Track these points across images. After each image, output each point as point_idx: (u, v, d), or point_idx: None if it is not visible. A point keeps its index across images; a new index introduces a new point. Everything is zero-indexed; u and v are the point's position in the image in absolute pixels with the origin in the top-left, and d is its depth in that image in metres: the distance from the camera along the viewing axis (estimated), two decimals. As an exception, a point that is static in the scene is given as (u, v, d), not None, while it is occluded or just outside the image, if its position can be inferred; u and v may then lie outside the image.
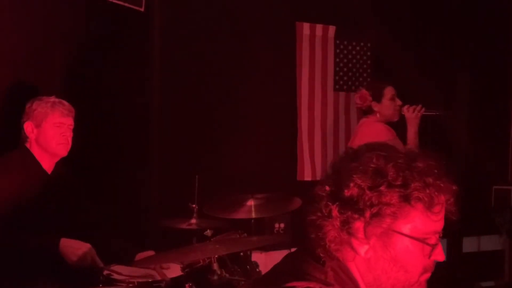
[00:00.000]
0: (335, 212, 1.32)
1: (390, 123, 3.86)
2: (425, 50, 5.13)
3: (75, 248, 2.74)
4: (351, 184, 1.31)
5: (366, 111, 3.90)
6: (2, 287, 2.64)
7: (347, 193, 1.31)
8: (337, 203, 1.33)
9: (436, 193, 1.32)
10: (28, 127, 2.87)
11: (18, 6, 3.14)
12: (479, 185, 5.23)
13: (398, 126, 3.89)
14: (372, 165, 1.32)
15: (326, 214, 1.34)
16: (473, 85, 5.37)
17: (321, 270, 1.35)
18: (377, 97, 3.86)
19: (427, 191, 1.31)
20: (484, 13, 5.30)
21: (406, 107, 3.86)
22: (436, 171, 1.33)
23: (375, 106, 3.86)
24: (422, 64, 4.94)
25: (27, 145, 2.89)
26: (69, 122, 2.93)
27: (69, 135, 2.93)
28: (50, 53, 3.37)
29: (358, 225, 1.33)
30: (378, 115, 3.86)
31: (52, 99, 2.91)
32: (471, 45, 5.31)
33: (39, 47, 3.29)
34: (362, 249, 1.35)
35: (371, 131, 3.79)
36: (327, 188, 1.36)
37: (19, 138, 2.92)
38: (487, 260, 5.42)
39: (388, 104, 3.85)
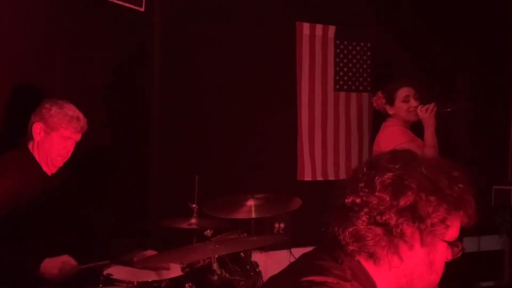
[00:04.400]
0: (393, 221, 1.32)
1: (410, 124, 3.75)
2: (425, 50, 5.12)
3: (54, 261, 2.70)
4: (409, 193, 1.32)
5: (386, 114, 3.79)
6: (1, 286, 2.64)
7: (403, 201, 1.32)
8: (392, 210, 1.33)
9: (472, 198, 1.40)
10: (37, 128, 2.83)
11: (18, 6, 3.14)
12: (479, 185, 5.21)
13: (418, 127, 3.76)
14: (422, 174, 1.34)
15: (381, 222, 1.33)
16: (473, 85, 5.37)
17: (339, 268, 1.36)
18: (390, 100, 3.74)
19: (468, 197, 1.38)
20: (484, 13, 5.29)
21: (419, 107, 3.69)
22: (465, 178, 1.41)
23: (390, 110, 3.75)
24: (422, 64, 4.94)
25: (30, 145, 2.87)
26: (78, 138, 2.91)
27: (71, 149, 2.91)
28: (50, 53, 3.37)
29: (413, 233, 1.33)
30: (395, 118, 3.74)
31: (72, 110, 2.87)
32: (471, 45, 5.31)
33: (39, 47, 3.29)
34: (407, 255, 1.36)
35: (385, 135, 3.73)
36: (378, 194, 1.34)
37: (18, 137, 2.91)
38: (487, 260, 5.41)
39: (401, 106, 3.71)
